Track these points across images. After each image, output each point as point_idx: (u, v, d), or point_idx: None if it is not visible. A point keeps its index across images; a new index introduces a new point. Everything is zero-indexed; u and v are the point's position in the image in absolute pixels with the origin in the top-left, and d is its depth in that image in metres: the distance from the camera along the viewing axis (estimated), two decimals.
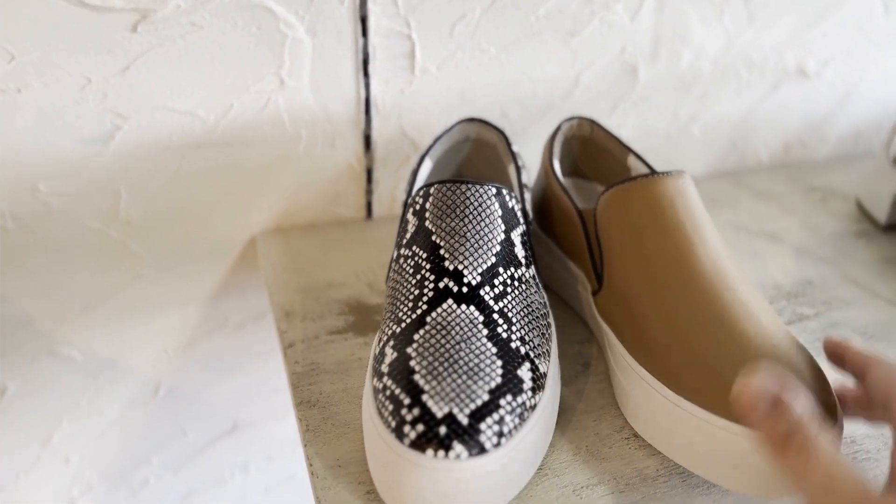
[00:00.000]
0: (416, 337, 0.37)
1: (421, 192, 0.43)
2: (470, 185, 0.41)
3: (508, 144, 0.50)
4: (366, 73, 0.53)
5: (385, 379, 0.36)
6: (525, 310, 0.40)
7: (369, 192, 0.59)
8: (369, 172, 0.58)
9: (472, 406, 0.34)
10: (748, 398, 0.31)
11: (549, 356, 0.40)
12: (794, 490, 0.29)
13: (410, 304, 0.39)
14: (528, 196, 0.48)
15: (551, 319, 0.43)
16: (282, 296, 0.51)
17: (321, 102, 0.54)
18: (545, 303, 0.43)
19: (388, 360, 0.37)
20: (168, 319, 0.60)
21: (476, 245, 0.40)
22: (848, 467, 0.28)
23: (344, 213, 0.60)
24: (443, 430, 0.33)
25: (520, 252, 0.42)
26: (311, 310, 0.50)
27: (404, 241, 0.42)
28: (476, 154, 0.53)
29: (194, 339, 0.62)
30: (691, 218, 0.42)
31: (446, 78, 0.56)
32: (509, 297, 0.40)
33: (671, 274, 0.40)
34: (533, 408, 0.36)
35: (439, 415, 0.34)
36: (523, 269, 0.42)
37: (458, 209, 0.41)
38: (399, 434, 0.34)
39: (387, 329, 0.40)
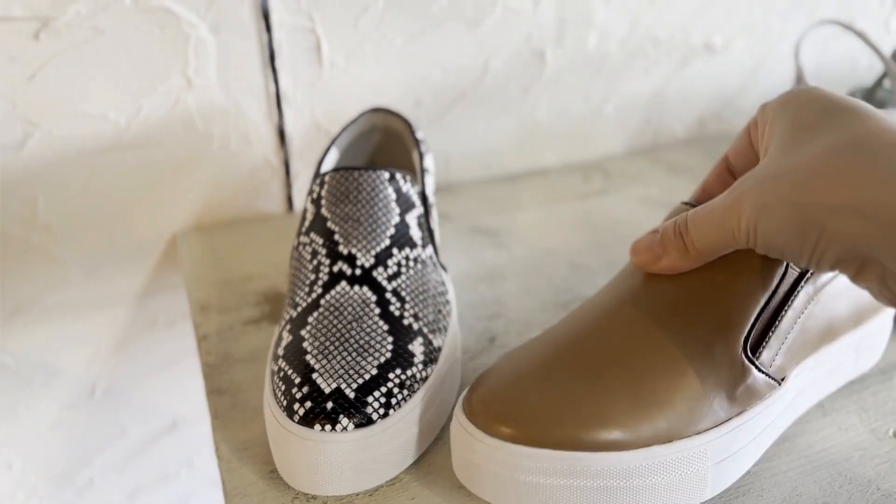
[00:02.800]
0: (309, 319, 0.39)
1: (317, 181, 0.44)
2: (362, 172, 0.43)
3: (412, 131, 0.51)
4: (273, 69, 0.55)
5: (280, 361, 0.38)
6: (419, 288, 0.42)
7: (289, 186, 0.60)
8: (287, 166, 0.59)
9: (360, 381, 0.36)
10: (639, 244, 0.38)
11: (444, 332, 0.41)
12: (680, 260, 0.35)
13: (307, 289, 0.41)
14: (429, 180, 0.49)
15: (451, 297, 0.44)
16: (199, 290, 0.52)
17: (231, 99, 0.55)
18: (443, 281, 0.44)
19: (283, 343, 0.39)
20: (98, 321, 0.61)
21: (369, 229, 0.42)
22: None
23: (266, 208, 0.61)
24: (330, 404, 0.35)
25: (415, 234, 0.43)
26: (227, 302, 0.51)
27: (303, 229, 0.44)
28: (385, 142, 0.54)
29: (126, 339, 0.63)
30: None
31: (355, 70, 0.57)
32: (403, 277, 0.41)
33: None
34: (424, 380, 0.38)
35: (327, 391, 0.35)
36: (419, 249, 0.43)
37: (351, 195, 0.42)
38: (290, 412, 0.35)
39: (285, 314, 0.41)
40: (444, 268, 0.46)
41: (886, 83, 0.61)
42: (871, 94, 0.61)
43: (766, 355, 0.37)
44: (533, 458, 0.34)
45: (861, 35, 0.59)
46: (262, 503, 0.37)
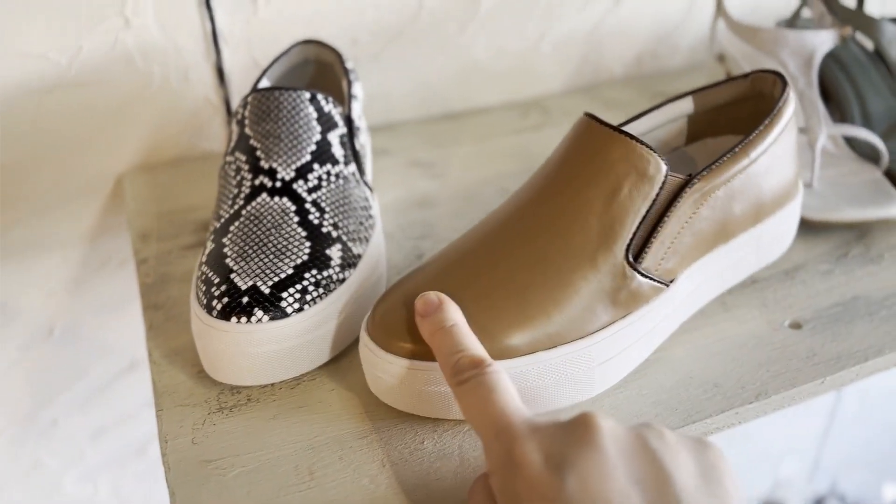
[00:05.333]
0: (231, 228, 0.41)
1: (241, 103, 0.46)
2: (283, 91, 0.45)
3: (342, 61, 0.53)
4: (209, 6, 0.56)
5: (203, 267, 0.40)
6: (340, 200, 0.44)
7: (230, 123, 0.62)
8: (227, 105, 0.61)
9: (276, 279, 0.38)
10: (423, 299, 0.36)
11: (366, 242, 0.44)
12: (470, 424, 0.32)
13: (230, 202, 0.43)
14: (356, 105, 0.51)
15: (374, 213, 0.47)
16: (140, 221, 0.54)
17: (169, 38, 0.57)
18: (367, 198, 0.46)
19: (207, 251, 0.41)
20: (51, 261, 0.63)
21: (290, 145, 0.44)
22: (511, 412, 0.31)
23: (209, 147, 0.63)
24: (245, 299, 0.37)
25: (338, 152, 0.46)
26: (166, 231, 0.53)
27: (229, 149, 0.46)
28: (318, 74, 0.56)
29: (80, 279, 0.65)
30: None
31: (290, 8, 0.59)
32: (324, 190, 0.44)
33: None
34: (341, 281, 0.40)
35: (243, 287, 0.38)
36: (341, 166, 0.45)
37: (272, 113, 0.44)
38: (209, 308, 0.38)
39: (211, 227, 0.43)
40: (369, 187, 0.48)
41: (805, 12, 0.63)
42: (790, 23, 0.63)
43: (649, 260, 0.39)
44: (428, 370, 0.36)
45: None
46: (190, 398, 0.40)
